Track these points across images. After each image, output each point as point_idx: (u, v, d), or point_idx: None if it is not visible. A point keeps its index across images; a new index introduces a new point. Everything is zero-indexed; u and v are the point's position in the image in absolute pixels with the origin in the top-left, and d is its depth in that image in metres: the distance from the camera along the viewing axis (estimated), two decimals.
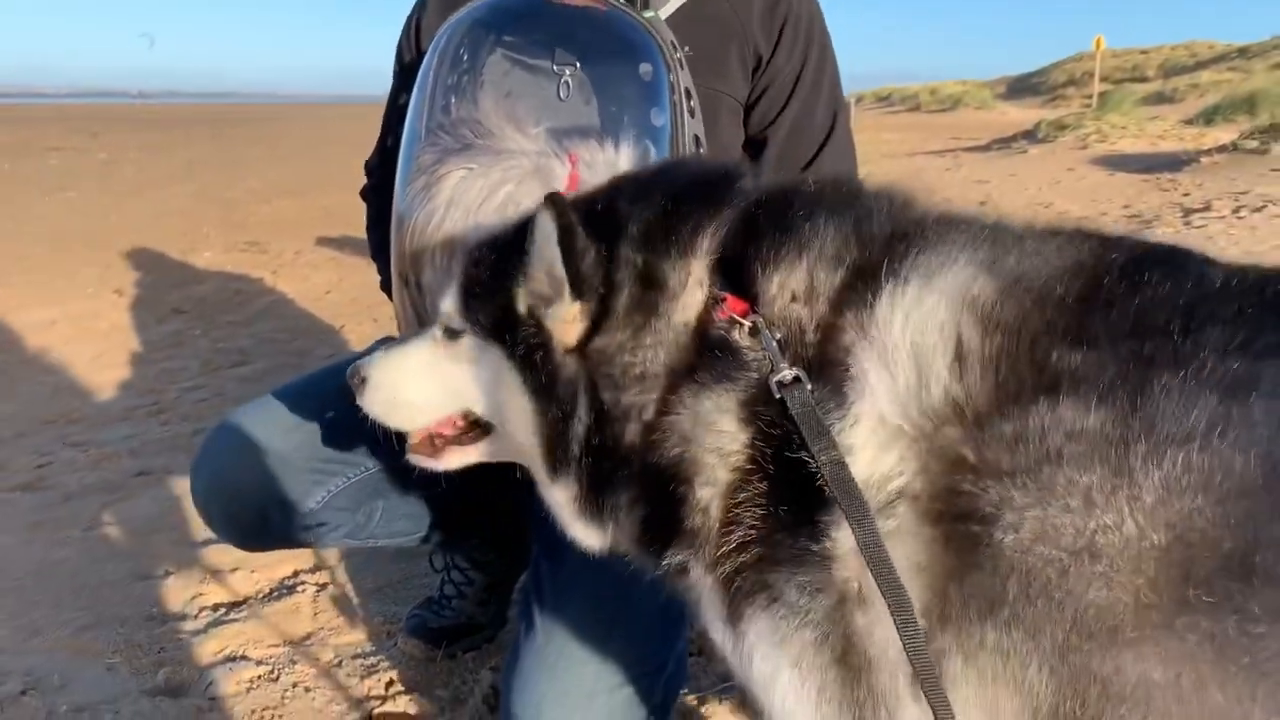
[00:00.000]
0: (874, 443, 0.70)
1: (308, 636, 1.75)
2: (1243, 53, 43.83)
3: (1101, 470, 0.59)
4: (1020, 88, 57.79)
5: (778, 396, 0.73)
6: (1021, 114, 32.10)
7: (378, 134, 1.52)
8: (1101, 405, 0.61)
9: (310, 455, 1.30)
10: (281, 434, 1.29)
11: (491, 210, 1.04)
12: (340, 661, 1.68)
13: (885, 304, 0.71)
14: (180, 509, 2.23)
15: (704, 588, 0.82)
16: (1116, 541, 0.58)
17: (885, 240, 0.76)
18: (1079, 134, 12.08)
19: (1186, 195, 7.68)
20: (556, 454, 0.86)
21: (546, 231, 0.80)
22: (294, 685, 1.61)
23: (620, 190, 0.89)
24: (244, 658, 1.69)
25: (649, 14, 1.21)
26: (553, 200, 0.80)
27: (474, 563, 1.68)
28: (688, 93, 1.18)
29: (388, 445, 1.36)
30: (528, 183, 1.04)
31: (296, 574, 1.96)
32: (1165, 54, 52.01)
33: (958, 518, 0.65)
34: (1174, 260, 0.70)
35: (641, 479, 0.83)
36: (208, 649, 1.71)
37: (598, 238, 0.82)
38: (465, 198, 1.05)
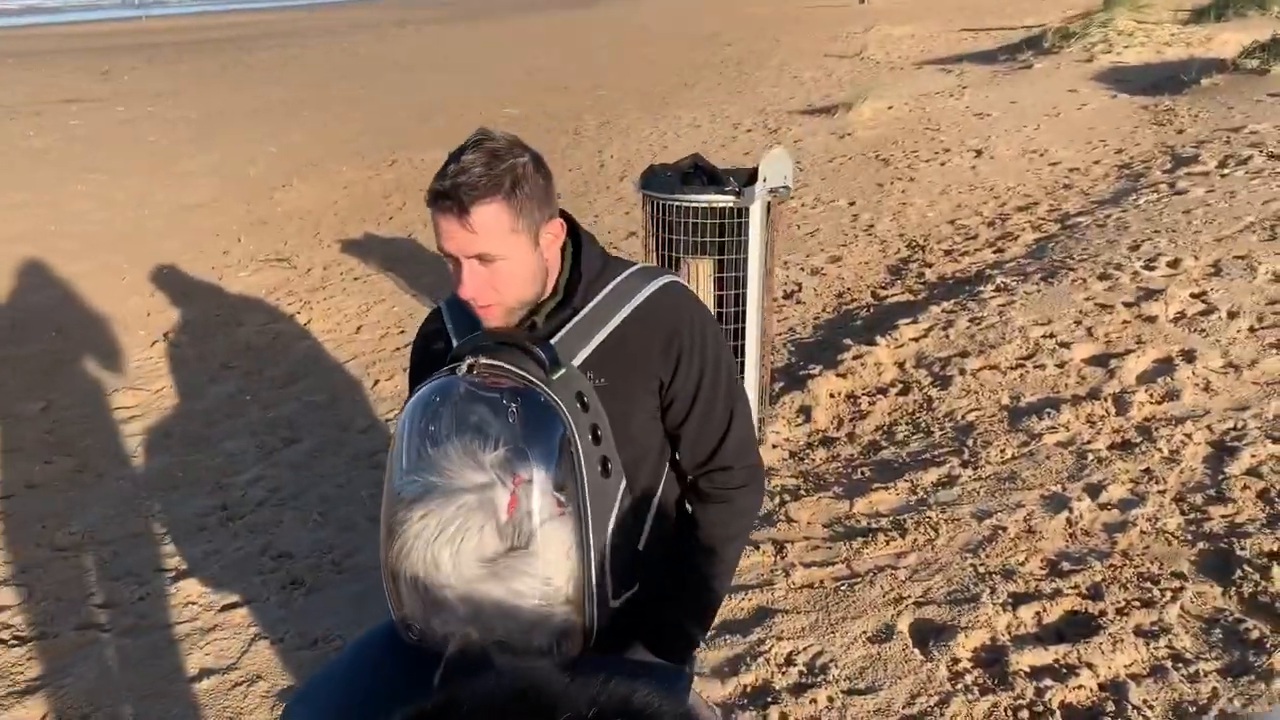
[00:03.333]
0: None
1: None
2: None
3: None
4: None
5: None
6: None
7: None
8: None
9: None
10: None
11: (444, 541, 1.41)
12: None
13: None
14: (259, 654, 2.70)
15: None
16: None
17: None
18: (1085, 43, 12.00)
19: (1180, 133, 7.80)
20: None
21: None
22: None
23: None
24: None
25: (561, 371, 1.52)
26: None
27: None
28: (594, 428, 1.51)
29: None
30: (474, 515, 1.39)
31: None
32: None
33: None
34: None
35: None
36: None
37: None
38: (424, 533, 1.42)
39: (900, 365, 4.11)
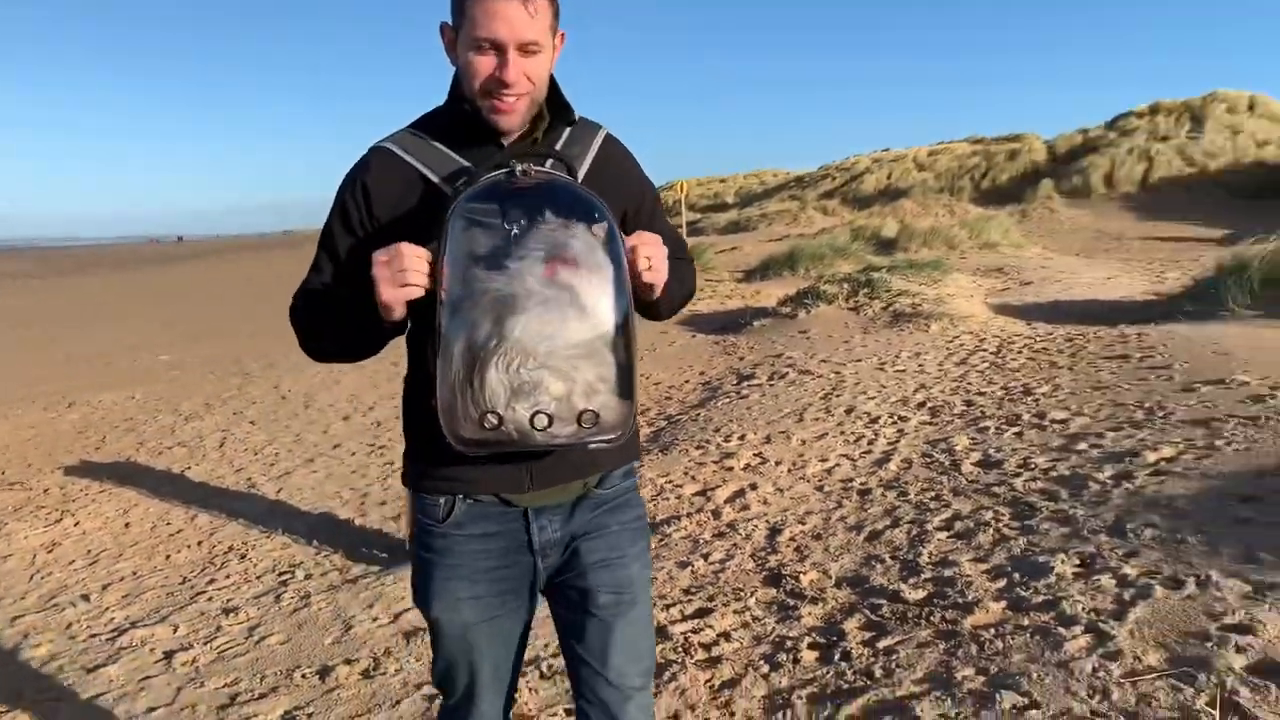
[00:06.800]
0: None
1: None
2: (799, 181, 51.53)
3: None
4: None
5: None
6: None
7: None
8: None
9: None
10: None
11: (542, 337, 1.54)
12: None
13: None
14: None
15: None
16: None
17: None
18: None
19: (742, 359, 10.54)
20: None
21: None
22: None
23: None
24: None
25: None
26: None
27: None
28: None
29: None
30: (558, 309, 1.55)
31: None
32: (740, 181, 59.88)
33: None
34: None
35: None
36: None
37: None
38: (523, 325, 1.53)
39: None
